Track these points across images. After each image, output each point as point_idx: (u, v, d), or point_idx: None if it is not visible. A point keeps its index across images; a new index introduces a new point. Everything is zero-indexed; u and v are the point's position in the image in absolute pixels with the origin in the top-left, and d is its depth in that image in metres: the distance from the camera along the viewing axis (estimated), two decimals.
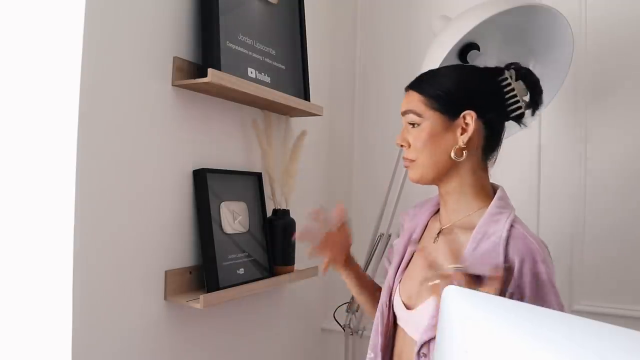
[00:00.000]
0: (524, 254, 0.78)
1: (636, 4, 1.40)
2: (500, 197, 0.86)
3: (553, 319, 0.51)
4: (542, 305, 0.75)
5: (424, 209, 1.01)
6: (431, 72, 0.91)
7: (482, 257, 0.78)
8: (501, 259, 0.77)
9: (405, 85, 0.93)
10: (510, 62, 0.91)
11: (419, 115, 0.86)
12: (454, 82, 0.87)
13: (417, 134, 0.87)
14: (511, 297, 0.77)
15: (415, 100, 0.87)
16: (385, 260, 1.10)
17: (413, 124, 0.87)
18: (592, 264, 1.42)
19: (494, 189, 0.91)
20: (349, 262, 1.06)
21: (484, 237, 0.81)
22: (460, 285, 0.71)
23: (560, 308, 0.78)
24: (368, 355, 0.96)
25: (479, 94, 0.86)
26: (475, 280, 0.71)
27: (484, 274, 0.76)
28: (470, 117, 0.84)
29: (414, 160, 0.88)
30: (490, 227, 0.82)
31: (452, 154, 0.84)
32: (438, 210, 0.98)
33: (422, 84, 0.89)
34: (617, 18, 1.42)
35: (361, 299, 1.09)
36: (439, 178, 0.88)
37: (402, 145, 0.90)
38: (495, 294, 0.74)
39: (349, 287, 1.09)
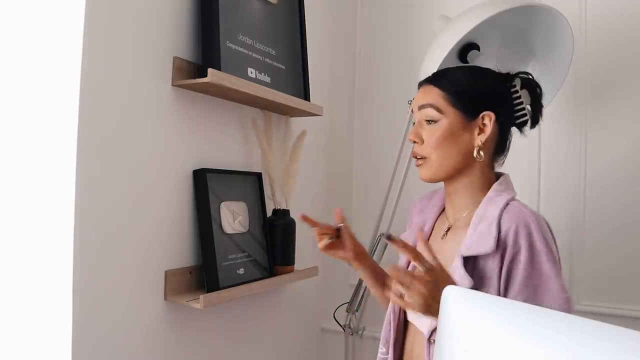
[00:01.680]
0: (517, 222, 0.78)
1: (636, 4, 1.40)
2: (501, 182, 0.87)
3: (553, 319, 0.51)
4: (537, 276, 0.76)
5: (431, 203, 1.01)
6: (450, 70, 0.91)
7: (480, 238, 0.79)
8: (494, 235, 0.77)
9: (421, 80, 0.92)
10: (519, 70, 0.92)
11: (439, 111, 0.85)
12: (475, 82, 0.87)
13: (433, 130, 0.86)
14: (509, 267, 0.77)
15: (435, 95, 0.86)
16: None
17: (430, 120, 0.86)
18: (592, 263, 1.42)
19: (497, 177, 0.91)
20: (359, 257, 1.04)
21: (481, 219, 0.82)
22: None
23: (559, 279, 0.77)
24: (379, 350, 0.96)
25: (495, 96, 0.88)
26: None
27: (478, 254, 0.78)
28: (488, 118, 0.85)
29: (425, 158, 0.87)
30: (487, 209, 0.83)
31: (475, 154, 0.85)
32: (444, 207, 0.98)
33: (443, 79, 0.87)
34: (617, 17, 1.42)
35: (375, 293, 1.09)
36: (450, 177, 0.88)
37: (414, 141, 0.88)
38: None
39: (364, 280, 1.09)
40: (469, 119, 0.85)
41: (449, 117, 0.85)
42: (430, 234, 0.97)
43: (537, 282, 0.76)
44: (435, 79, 0.88)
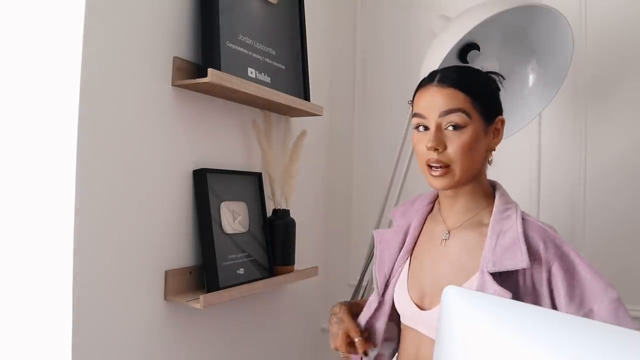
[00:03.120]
0: (544, 237, 0.80)
1: (636, 4, 1.40)
2: (502, 193, 0.89)
3: (553, 319, 0.51)
4: (578, 283, 0.77)
5: (414, 208, 1.00)
6: (466, 71, 0.86)
7: (506, 253, 0.79)
8: (524, 250, 0.78)
9: (431, 78, 0.86)
10: (489, 70, 0.93)
11: (469, 116, 0.81)
12: (490, 85, 0.88)
13: (459, 137, 0.81)
14: (549, 284, 0.77)
15: (462, 100, 0.81)
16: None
17: (455, 126, 0.81)
18: (592, 263, 1.41)
19: (492, 185, 0.92)
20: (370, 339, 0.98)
21: (500, 234, 0.82)
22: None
23: (601, 279, 0.77)
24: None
25: (499, 99, 0.89)
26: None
27: (512, 269, 0.78)
28: (501, 123, 0.87)
29: (448, 166, 0.82)
30: (503, 224, 0.83)
31: (490, 158, 0.86)
32: (431, 210, 0.98)
33: (467, 83, 0.83)
34: (617, 18, 1.42)
35: None
36: (466, 183, 0.86)
37: (436, 149, 0.81)
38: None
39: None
40: (487, 124, 0.84)
41: (476, 123, 0.82)
42: (417, 237, 0.96)
43: (581, 290, 0.77)
44: (459, 82, 0.82)
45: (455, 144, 0.81)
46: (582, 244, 1.43)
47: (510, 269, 0.78)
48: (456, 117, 0.81)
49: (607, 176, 1.41)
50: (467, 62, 1.24)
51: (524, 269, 0.78)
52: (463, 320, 0.55)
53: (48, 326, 0.94)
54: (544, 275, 0.78)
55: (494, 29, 1.19)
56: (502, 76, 0.93)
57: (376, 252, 0.99)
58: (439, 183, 0.83)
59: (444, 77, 0.84)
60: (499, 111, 0.88)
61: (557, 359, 0.44)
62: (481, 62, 1.22)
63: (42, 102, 0.97)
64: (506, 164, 1.52)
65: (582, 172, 1.44)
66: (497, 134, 0.86)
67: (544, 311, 0.55)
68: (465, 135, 0.81)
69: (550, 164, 1.48)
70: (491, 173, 0.93)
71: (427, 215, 0.97)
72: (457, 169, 0.82)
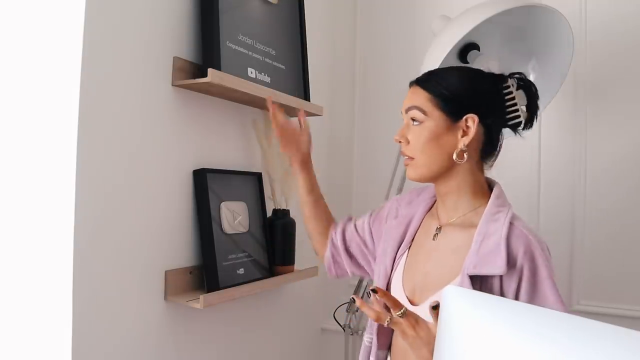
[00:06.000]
0: (524, 247, 0.80)
1: (636, 3, 1.40)
2: (497, 195, 0.87)
3: (553, 319, 0.51)
4: (539, 301, 0.78)
5: (420, 198, 1.01)
6: (439, 71, 0.92)
7: (488, 257, 0.79)
8: (504, 256, 0.78)
9: (411, 80, 0.93)
10: (514, 71, 0.92)
11: (424, 113, 0.86)
12: (462, 83, 0.87)
13: (419, 132, 0.87)
14: (516, 292, 0.78)
15: (422, 97, 0.87)
16: (368, 215, 1.13)
17: (415, 121, 0.88)
18: (592, 263, 1.42)
19: (490, 184, 0.92)
20: (305, 165, 1.12)
21: (485, 237, 0.81)
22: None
23: (560, 304, 0.78)
24: (366, 337, 0.96)
25: (482, 98, 0.87)
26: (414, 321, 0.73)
27: (490, 274, 0.78)
28: (472, 121, 0.85)
29: (412, 158, 0.88)
30: (490, 226, 0.82)
31: (455, 156, 0.85)
32: (433, 205, 0.98)
33: (430, 81, 0.88)
34: (617, 17, 1.42)
35: (307, 201, 1.14)
36: (437, 178, 0.89)
37: (400, 142, 0.90)
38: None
39: (299, 187, 1.14)
40: (453, 121, 0.85)
41: (434, 120, 0.85)
42: (416, 231, 0.97)
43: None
44: (423, 81, 0.89)
45: (413, 137, 0.88)
46: (581, 244, 1.43)
47: (486, 274, 0.78)
48: (414, 113, 0.88)
49: (607, 175, 1.42)
50: (467, 62, 1.24)
51: (500, 275, 0.78)
52: (463, 320, 0.55)
53: (48, 326, 0.94)
54: (513, 285, 0.78)
55: (494, 29, 1.19)
56: (519, 74, 0.92)
57: (383, 227, 1.03)
58: (407, 173, 0.91)
59: (419, 77, 0.91)
60: (474, 109, 0.85)
61: (556, 358, 0.44)
62: (481, 62, 1.22)
63: (42, 102, 0.97)
64: (506, 164, 1.51)
65: (582, 172, 1.44)
66: (467, 132, 0.85)
67: (544, 311, 0.55)
68: (423, 130, 0.86)
69: (550, 163, 1.48)
70: (491, 173, 0.93)
71: (429, 210, 0.99)
72: (418, 161, 0.88)
